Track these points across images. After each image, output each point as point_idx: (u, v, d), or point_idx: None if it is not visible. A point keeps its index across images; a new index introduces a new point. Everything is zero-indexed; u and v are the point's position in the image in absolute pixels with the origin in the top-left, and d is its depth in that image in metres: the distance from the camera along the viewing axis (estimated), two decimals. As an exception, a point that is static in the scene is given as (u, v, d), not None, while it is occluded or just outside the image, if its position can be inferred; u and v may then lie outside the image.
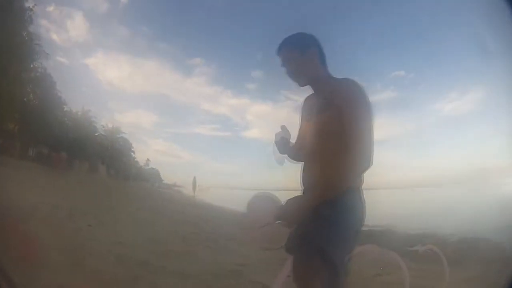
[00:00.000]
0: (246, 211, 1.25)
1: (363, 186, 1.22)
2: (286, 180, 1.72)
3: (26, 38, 1.79)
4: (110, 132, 1.65)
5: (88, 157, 1.77)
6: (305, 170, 1.21)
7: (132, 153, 1.65)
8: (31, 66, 1.76)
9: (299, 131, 1.32)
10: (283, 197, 1.54)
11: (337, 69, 1.35)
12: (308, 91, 1.36)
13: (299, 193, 1.57)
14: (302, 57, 1.22)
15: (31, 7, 1.85)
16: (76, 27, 1.71)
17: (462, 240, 1.61)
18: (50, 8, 1.82)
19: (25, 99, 1.77)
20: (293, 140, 1.42)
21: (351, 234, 1.09)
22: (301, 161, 1.27)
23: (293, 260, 1.11)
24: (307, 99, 1.29)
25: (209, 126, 1.64)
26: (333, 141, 1.12)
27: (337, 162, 1.10)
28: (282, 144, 1.29)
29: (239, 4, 1.80)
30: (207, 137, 1.66)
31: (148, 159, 1.63)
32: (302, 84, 1.25)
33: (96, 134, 1.66)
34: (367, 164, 1.09)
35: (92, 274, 1.31)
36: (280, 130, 1.38)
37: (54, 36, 1.73)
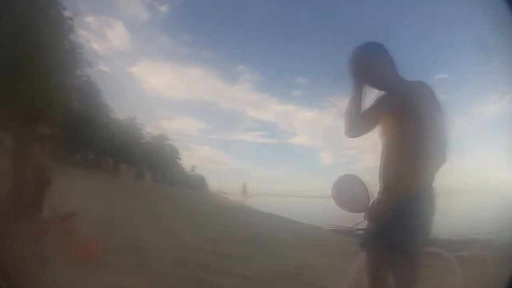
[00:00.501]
0: (345, 195, 1.22)
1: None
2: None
3: (68, 46, 1.81)
4: (157, 139, 1.68)
5: (134, 163, 1.79)
6: (385, 169, 1.24)
7: (178, 160, 1.68)
8: (75, 74, 1.78)
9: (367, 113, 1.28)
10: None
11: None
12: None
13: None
14: (378, 62, 1.28)
15: (70, 16, 1.86)
16: (117, 36, 1.73)
17: (506, 244, 1.62)
18: (89, 19, 1.84)
19: (70, 105, 1.79)
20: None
21: (427, 228, 1.14)
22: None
23: (369, 255, 1.18)
24: (381, 98, 1.29)
25: (255, 133, 1.67)
26: (411, 141, 1.18)
27: (417, 161, 1.16)
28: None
29: (282, 12, 1.80)
30: (254, 144, 1.68)
31: (194, 165, 1.65)
32: (379, 88, 1.30)
33: (142, 140, 1.68)
34: (443, 160, 1.15)
35: (155, 275, 1.34)
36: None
37: (95, 46, 1.75)
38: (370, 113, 1.28)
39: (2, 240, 1.16)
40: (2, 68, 2.13)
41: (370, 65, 1.26)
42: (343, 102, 1.90)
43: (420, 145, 1.15)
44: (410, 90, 1.23)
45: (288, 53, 1.77)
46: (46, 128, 1.83)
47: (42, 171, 1.16)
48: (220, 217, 1.76)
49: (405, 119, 1.18)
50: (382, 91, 1.27)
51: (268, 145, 1.65)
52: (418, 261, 1.13)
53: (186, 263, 1.52)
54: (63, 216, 1.10)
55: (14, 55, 2.11)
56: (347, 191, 1.23)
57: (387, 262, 1.15)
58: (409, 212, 1.13)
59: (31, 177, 1.14)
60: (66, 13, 1.86)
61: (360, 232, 1.28)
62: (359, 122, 1.30)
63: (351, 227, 1.36)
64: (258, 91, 1.62)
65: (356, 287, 1.26)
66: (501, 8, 1.42)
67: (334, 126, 1.83)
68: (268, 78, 1.66)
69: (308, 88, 1.73)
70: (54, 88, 1.85)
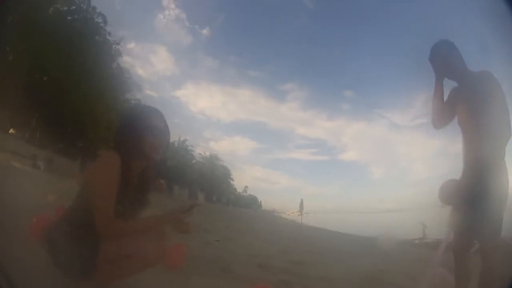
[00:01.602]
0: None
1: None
2: (385, 200, 1.70)
3: (116, 71, 1.85)
4: (208, 160, 1.69)
5: (187, 184, 1.82)
6: (464, 151, 1.37)
7: (231, 180, 1.68)
8: (125, 97, 1.82)
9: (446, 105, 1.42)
10: (386, 218, 1.58)
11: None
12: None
13: (397, 214, 1.61)
14: (453, 57, 1.41)
15: (116, 41, 1.90)
16: (162, 61, 1.75)
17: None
18: (131, 45, 1.86)
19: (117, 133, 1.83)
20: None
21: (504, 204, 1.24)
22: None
23: (457, 235, 1.32)
24: (454, 90, 1.42)
25: (306, 150, 1.65)
26: (482, 121, 1.31)
27: (489, 137, 1.30)
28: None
29: (325, 28, 1.75)
30: (305, 161, 1.67)
31: (246, 186, 1.65)
32: (455, 79, 1.44)
33: (194, 161, 1.70)
34: (509, 134, 1.30)
35: (242, 279, 1.50)
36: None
37: (140, 71, 1.77)
38: (448, 105, 1.41)
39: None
40: (53, 92, 2.21)
41: (448, 60, 1.40)
42: (392, 113, 1.89)
43: (490, 123, 1.30)
44: (478, 79, 1.38)
45: (334, 68, 1.72)
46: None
47: (145, 169, 1.20)
48: (280, 233, 1.77)
49: (476, 103, 1.34)
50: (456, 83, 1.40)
51: (319, 162, 1.62)
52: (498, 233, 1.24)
53: (268, 268, 1.62)
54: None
55: (63, 79, 2.19)
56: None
57: (471, 241, 1.28)
58: (488, 184, 1.26)
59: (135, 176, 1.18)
60: (112, 38, 1.90)
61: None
62: (441, 114, 1.43)
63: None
64: (306, 108, 1.60)
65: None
66: (501, 8, 1.39)
67: (383, 138, 1.77)
68: (315, 94, 1.63)
69: (356, 101, 1.68)
70: (104, 111, 1.90)
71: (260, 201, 1.71)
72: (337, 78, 1.70)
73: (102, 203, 1.13)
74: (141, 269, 1.20)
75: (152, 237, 1.15)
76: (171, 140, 1.61)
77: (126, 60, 1.76)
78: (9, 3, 2.22)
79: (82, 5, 2.21)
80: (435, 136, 2.00)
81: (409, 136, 1.82)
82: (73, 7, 2.29)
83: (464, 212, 1.33)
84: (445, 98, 1.49)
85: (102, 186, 1.14)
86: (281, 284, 1.53)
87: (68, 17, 2.28)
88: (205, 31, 1.72)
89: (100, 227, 1.11)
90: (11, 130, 2.30)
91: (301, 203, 1.61)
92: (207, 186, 1.75)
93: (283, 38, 1.70)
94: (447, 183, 1.49)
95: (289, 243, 1.74)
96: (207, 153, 1.69)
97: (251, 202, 1.71)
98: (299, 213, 1.62)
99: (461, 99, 1.44)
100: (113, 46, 1.85)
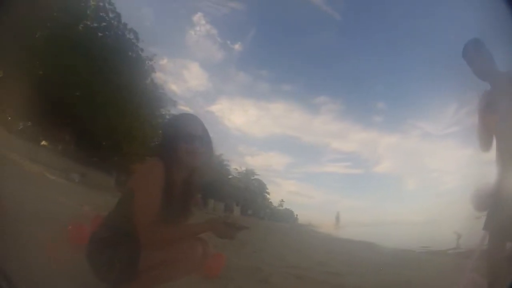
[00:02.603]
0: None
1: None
2: (420, 211, 1.69)
3: (150, 86, 1.89)
4: (244, 174, 1.71)
5: (223, 198, 1.85)
6: (498, 154, 1.38)
7: (266, 194, 1.70)
8: (159, 112, 1.85)
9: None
10: (421, 229, 1.60)
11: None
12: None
13: (431, 225, 1.63)
14: (481, 57, 1.43)
15: (149, 57, 1.94)
16: (194, 77, 1.77)
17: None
18: (163, 62, 1.90)
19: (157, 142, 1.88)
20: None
21: None
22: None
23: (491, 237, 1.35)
24: (487, 94, 1.44)
25: (340, 164, 1.65)
26: None
27: None
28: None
29: (355, 39, 1.75)
30: (340, 175, 1.67)
31: (282, 200, 1.67)
32: (486, 79, 1.46)
33: (230, 176, 1.72)
34: None
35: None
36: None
37: (174, 87, 1.80)
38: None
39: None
40: (86, 107, 2.27)
41: (478, 60, 1.41)
42: (424, 123, 1.89)
43: None
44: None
45: (365, 79, 1.71)
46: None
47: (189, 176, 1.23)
48: (316, 245, 1.79)
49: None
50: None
51: (353, 175, 1.63)
52: None
53: (305, 280, 1.64)
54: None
55: (97, 95, 2.24)
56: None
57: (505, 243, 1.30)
58: None
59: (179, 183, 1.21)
60: (144, 55, 1.94)
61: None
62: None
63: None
64: (340, 120, 1.60)
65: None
66: (501, 8, 1.38)
67: (416, 149, 1.77)
68: (348, 107, 1.63)
69: (389, 113, 1.68)
70: (139, 126, 1.95)
71: (296, 215, 1.73)
72: (369, 90, 1.69)
73: (147, 208, 1.15)
74: (182, 275, 1.22)
75: (194, 243, 1.17)
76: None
77: (159, 76, 1.81)
78: (37, 20, 2.28)
79: (112, 21, 2.26)
80: (467, 144, 1.97)
81: (442, 146, 1.80)
82: (104, 24, 2.34)
83: (498, 214, 1.32)
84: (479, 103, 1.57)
85: (146, 191, 1.17)
86: None
87: (99, 34, 2.33)
88: (236, 46, 1.74)
89: (144, 232, 1.14)
90: (43, 142, 2.37)
91: (337, 216, 1.63)
92: (242, 200, 1.78)
93: (314, 51, 1.71)
94: (478, 188, 1.49)
95: (326, 255, 1.76)
96: (243, 168, 1.71)
97: (287, 216, 1.73)
98: (335, 226, 1.63)
99: (493, 101, 1.42)
100: (146, 62, 1.89)
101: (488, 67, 1.44)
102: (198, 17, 1.85)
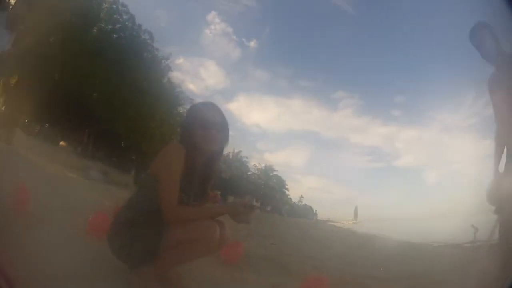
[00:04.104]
0: None
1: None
2: (442, 204, 1.68)
3: (167, 86, 1.90)
4: (263, 171, 1.71)
5: (242, 195, 1.86)
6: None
7: (285, 190, 1.70)
8: (178, 110, 1.87)
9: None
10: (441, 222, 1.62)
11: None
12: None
13: (451, 218, 1.64)
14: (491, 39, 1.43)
15: (165, 56, 1.94)
16: (211, 75, 1.77)
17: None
18: (180, 61, 1.90)
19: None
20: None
21: None
22: None
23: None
24: (494, 78, 1.38)
25: (360, 158, 1.64)
26: None
27: None
28: None
29: (371, 33, 1.73)
30: (360, 169, 1.66)
31: (301, 196, 1.67)
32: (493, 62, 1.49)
33: (249, 173, 1.73)
34: None
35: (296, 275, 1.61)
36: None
37: (191, 86, 1.80)
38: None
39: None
40: (104, 109, 2.29)
41: (487, 43, 1.41)
42: (444, 115, 1.89)
43: None
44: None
45: (383, 72, 1.69)
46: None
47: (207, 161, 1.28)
48: (335, 239, 1.81)
49: None
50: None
51: (373, 170, 1.62)
52: None
53: (323, 269, 1.72)
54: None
55: (114, 96, 2.26)
56: None
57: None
58: None
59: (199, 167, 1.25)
60: (160, 54, 1.95)
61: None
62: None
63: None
64: (359, 115, 1.59)
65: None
66: (501, 8, 1.37)
67: (435, 141, 1.76)
68: (367, 101, 1.62)
69: (408, 106, 1.66)
70: (157, 125, 1.96)
71: (315, 211, 1.73)
72: (387, 84, 1.68)
73: (171, 187, 1.19)
74: (201, 255, 1.25)
75: (212, 223, 1.20)
76: (225, 152, 1.65)
77: (176, 75, 1.82)
78: (51, 25, 2.30)
79: (127, 23, 2.28)
80: (486, 136, 1.95)
81: (461, 138, 1.78)
82: (118, 25, 2.35)
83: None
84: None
85: (170, 171, 1.22)
86: (337, 282, 1.63)
87: (114, 35, 2.34)
88: (252, 43, 1.74)
89: (165, 211, 1.17)
90: (61, 143, 2.40)
91: (355, 210, 1.62)
92: (261, 197, 1.79)
93: (330, 46, 1.70)
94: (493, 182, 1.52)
95: (344, 248, 1.78)
96: (262, 165, 1.72)
97: (306, 212, 1.73)
98: (354, 221, 1.63)
99: (498, 86, 1.51)
100: (162, 61, 1.90)
101: (496, 49, 1.43)
102: (212, 15, 1.85)
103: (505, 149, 1.58)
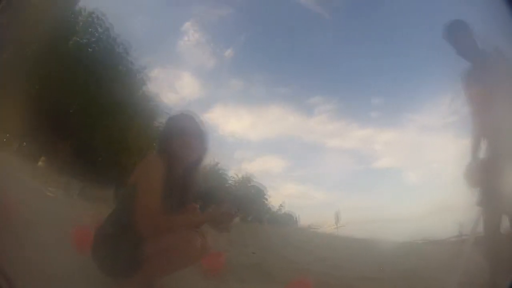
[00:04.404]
0: None
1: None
2: (425, 204, 1.67)
3: (142, 99, 1.87)
4: (241, 181, 1.68)
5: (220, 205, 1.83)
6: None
7: (265, 199, 1.67)
8: (154, 124, 1.84)
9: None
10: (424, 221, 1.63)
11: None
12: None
13: (435, 216, 1.66)
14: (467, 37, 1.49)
15: (139, 69, 1.92)
16: (187, 86, 1.74)
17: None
18: (154, 73, 1.87)
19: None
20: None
21: None
22: None
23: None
24: (470, 75, 1.40)
25: (338, 163, 1.62)
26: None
27: None
28: None
29: (345, 37, 1.73)
30: (339, 174, 1.64)
31: (281, 203, 1.65)
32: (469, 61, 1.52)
33: (227, 185, 1.70)
34: None
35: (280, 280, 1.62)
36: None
37: (166, 98, 1.78)
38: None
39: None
40: (81, 122, 2.25)
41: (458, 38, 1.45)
42: (422, 115, 1.90)
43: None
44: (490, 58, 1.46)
45: (359, 76, 1.69)
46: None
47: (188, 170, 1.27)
48: (317, 244, 1.78)
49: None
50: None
51: (353, 173, 1.61)
52: None
53: (306, 272, 1.72)
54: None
55: (90, 110, 2.21)
56: None
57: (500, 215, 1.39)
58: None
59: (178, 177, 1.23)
60: (134, 67, 1.92)
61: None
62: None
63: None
64: (336, 119, 1.58)
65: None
66: (501, 8, 1.40)
67: (414, 141, 1.76)
68: (343, 105, 1.61)
69: (385, 108, 1.66)
70: (134, 138, 1.93)
71: (296, 217, 1.71)
72: (364, 86, 1.68)
73: (149, 199, 1.18)
74: (182, 265, 1.23)
75: (193, 233, 1.19)
76: (203, 164, 1.61)
77: (151, 88, 1.79)
78: (27, 37, 2.26)
79: (102, 36, 2.24)
80: (465, 134, 1.96)
81: (440, 137, 1.80)
82: (93, 39, 2.32)
83: (492, 187, 1.41)
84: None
85: (148, 183, 1.20)
86: (321, 285, 1.66)
87: (89, 49, 2.31)
88: (227, 52, 1.73)
89: (145, 221, 1.15)
90: (40, 161, 2.34)
91: (337, 215, 1.61)
92: (241, 207, 1.75)
93: (305, 52, 1.69)
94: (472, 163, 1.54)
95: (327, 252, 1.77)
96: (240, 175, 1.69)
97: (287, 219, 1.71)
98: (336, 225, 1.61)
99: (478, 77, 1.55)
100: (137, 74, 1.87)
101: (472, 47, 1.46)
102: (186, 25, 1.83)
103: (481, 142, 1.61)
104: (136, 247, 1.19)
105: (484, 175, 1.49)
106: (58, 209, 1.89)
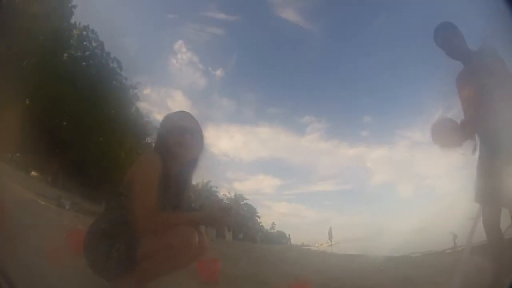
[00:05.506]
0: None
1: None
2: (418, 218, 1.67)
3: (135, 115, 1.87)
4: (233, 200, 1.68)
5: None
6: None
7: (257, 218, 1.68)
8: (145, 140, 1.83)
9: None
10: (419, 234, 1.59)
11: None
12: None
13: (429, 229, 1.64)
14: (455, 37, 1.38)
15: (133, 85, 1.92)
16: (178, 104, 1.74)
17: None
18: (147, 91, 1.87)
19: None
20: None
21: None
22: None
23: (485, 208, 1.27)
24: (462, 74, 1.37)
25: (331, 181, 1.63)
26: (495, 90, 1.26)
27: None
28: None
29: (336, 56, 1.74)
30: (331, 193, 1.65)
31: (273, 222, 1.65)
32: (459, 59, 1.40)
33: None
34: None
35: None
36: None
37: (158, 116, 1.78)
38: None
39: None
40: (74, 136, 2.23)
41: (449, 39, 1.35)
42: (413, 132, 1.90)
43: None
44: (482, 56, 1.34)
45: (349, 95, 1.71)
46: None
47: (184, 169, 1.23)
48: (312, 260, 1.76)
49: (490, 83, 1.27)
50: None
51: (344, 191, 1.61)
52: None
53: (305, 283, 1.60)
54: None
55: (83, 124, 2.20)
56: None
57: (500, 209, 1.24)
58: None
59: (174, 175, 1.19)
60: (128, 83, 1.93)
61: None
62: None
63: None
64: (327, 138, 1.59)
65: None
66: (501, 8, 1.43)
67: (406, 158, 1.77)
68: (334, 124, 1.62)
69: (375, 126, 1.67)
70: (126, 154, 1.92)
71: (288, 236, 1.70)
72: (354, 105, 1.69)
73: (146, 197, 1.13)
74: (179, 264, 1.18)
75: (191, 231, 1.14)
76: (194, 183, 1.60)
77: (143, 105, 1.79)
78: (22, 50, 2.25)
79: (96, 50, 2.25)
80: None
81: (431, 152, 1.81)
82: (87, 53, 2.32)
83: (489, 182, 1.28)
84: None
85: (145, 180, 1.16)
86: None
87: (83, 63, 2.31)
88: (218, 72, 1.73)
89: (142, 218, 1.10)
90: (33, 173, 2.32)
91: (330, 231, 1.60)
92: (233, 225, 1.75)
93: (295, 72, 1.71)
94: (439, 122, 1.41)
95: (322, 266, 1.74)
96: (232, 194, 1.69)
97: (280, 238, 1.70)
98: (329, 243, 1.60)
99: (469, 77, 1.40)
100: (130, 90, 1.88)
101: (460, 46, 1.39)
102: (179, 45, 1.84)
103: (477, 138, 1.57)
104: (131, 245, 1.15)
105: (482, 172, 1.44)
106: (52, 214, 1.86)
